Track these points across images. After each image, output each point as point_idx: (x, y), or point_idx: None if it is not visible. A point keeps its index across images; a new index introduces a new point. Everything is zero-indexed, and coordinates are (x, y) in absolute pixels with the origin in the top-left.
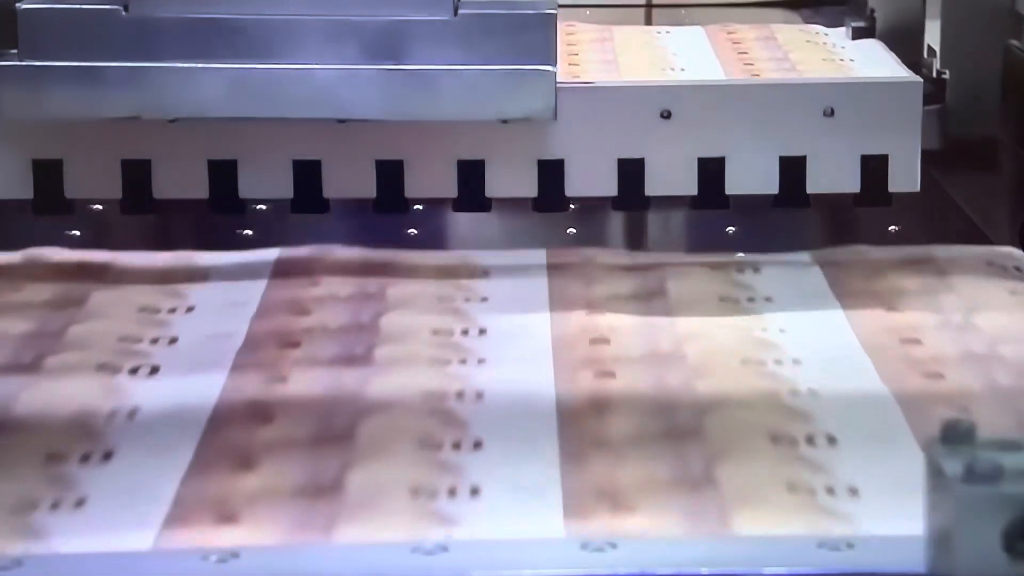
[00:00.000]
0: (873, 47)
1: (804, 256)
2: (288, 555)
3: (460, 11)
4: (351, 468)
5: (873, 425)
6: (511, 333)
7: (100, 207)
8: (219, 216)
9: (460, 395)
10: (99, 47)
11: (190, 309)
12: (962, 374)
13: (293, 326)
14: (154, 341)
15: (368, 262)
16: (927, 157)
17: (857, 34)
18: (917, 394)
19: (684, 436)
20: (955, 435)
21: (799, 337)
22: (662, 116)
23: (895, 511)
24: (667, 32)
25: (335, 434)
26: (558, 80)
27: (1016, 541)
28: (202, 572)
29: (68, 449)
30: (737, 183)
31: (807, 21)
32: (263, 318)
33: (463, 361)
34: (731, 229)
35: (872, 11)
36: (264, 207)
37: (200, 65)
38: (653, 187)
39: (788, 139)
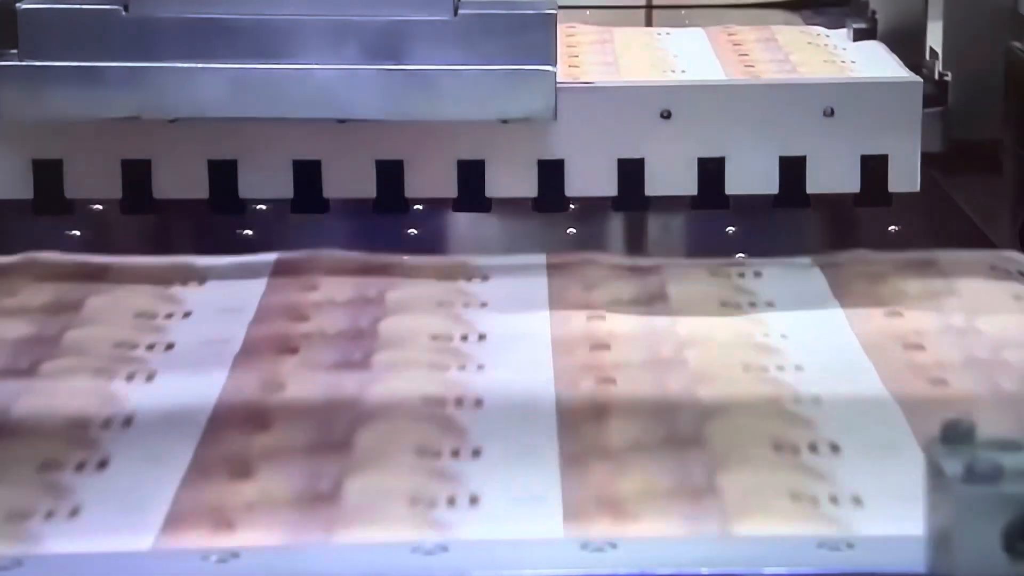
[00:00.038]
0: (874, 49)
1: (805, 260)
2: (288, 555)
3: (460, 11)
4: (349, 476)
5: (876, 432)
6: (511, 338)
7: (100, 207)
8: (219, 216)
9: (459, 402)
10: (99, 47)
11: (187, 314)
12: (966, 379)
13: (291, 331)
14: (151, 347)
15: (366, 266)
16: (928, 159)
17: (858, 36)
18: (921, 400)
19: (685, 443)
20: (955, 435)
21: (801, 342)
22: (662, 116)
23: (899, 520)
24: (667, 34)
25: (333, 441)
26: (558, 80)
27: (1016, 541)
28: (202, 572)
29: (63, 457)
30: (737, 183)
31: (808, 23)
32: (261, 323)
33: (462, 367)
34: (731, 229)
35: (873, 13)
36: (264, 207)
37: (200, 65)
38: (653, 187)
39: (788, 139)
